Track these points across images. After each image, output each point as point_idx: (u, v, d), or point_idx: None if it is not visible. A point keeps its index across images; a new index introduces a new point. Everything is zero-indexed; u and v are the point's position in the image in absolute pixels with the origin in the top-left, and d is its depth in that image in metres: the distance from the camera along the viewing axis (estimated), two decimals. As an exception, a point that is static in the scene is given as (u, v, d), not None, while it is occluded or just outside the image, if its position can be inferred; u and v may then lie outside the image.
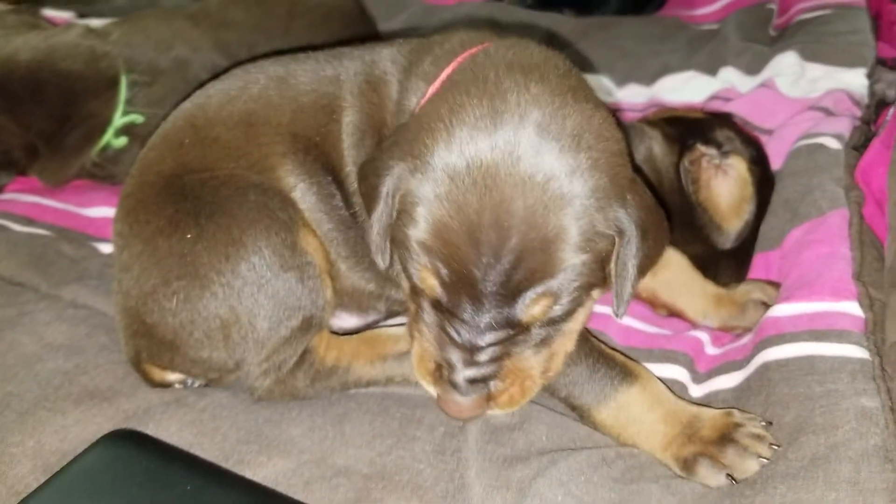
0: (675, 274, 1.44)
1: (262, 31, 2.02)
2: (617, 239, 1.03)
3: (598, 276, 1.03)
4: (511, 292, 0.98)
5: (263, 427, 1.20)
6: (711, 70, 2.21)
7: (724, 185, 1.50)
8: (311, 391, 1.27)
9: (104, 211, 1.78)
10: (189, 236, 1.20)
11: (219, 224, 1.19)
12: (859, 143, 1.71)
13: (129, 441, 1.12)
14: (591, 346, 1.21)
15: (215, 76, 1.84)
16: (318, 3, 2.16)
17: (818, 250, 1.39)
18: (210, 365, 1.25)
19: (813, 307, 1.29)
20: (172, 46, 1.90)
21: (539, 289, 0.98)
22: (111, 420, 1.21)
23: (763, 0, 2.60)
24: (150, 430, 1.19)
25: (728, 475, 1.10)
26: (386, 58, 1.32)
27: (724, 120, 1.71)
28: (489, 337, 1.02)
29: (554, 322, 1.05)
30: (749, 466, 1.11)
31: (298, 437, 1.19)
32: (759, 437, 1.12)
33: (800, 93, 1.99)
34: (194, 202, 1.22)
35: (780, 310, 1.31)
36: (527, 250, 0.96)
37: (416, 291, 1.08)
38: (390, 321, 1.43)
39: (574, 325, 1.12)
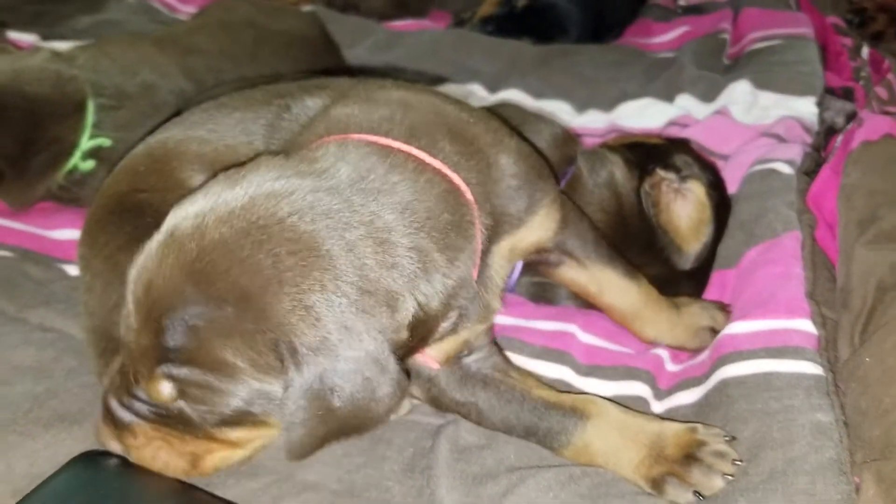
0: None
1: (229, 58, 2.03)
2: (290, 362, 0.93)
3: (253, 400, 0.97)
4: (151, 357, 0.97)
5: None
6: (668, 97, 2.28)
7: (684, 209, 1.55)
8: None
9: (70, 233, 1.76)
10: None
11: None
12: (810, 169, 1.77)
13: (100, 463, 1.12)
14: (537, 397, 1.24)
15: (183, 101, 1.88)
16: (283, 30, 2.18)
17: (773, 270, 1.44)
18: None
19: (768, 325, 1.33)
20: (139, 71, 1.90)
21: (166, 368, 0.96)
22: (81, 443, 1.20)
23: (717, 30, 2.69)
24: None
25: (695, 492, 1.14)
26: (306, 110, 1.29)
27: (682, 146, 1.77)
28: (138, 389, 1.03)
29: (205, 417, 1.01)
30: (714, 484, 1.14)
31: (266, 458, 1.18)
32: (722, 455, 1.15)
33: (753, 119, 2.06)
34: (155, 216, 1.21)
35: (738, 327, 1.36)
36: (169, 322, 0.94)
37: None
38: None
39: (242, 437, 1.06)
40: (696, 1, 3.02)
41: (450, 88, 2.43)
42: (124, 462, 1.11)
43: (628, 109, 2.29)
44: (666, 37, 2.84)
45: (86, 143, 1.81)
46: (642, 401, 1.36)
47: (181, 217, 0.98)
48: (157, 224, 1.18)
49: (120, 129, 1.84)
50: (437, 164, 1.09)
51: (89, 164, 1.82)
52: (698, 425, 1.20)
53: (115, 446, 1.08)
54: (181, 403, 0.99)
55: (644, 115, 2.23)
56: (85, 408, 1.28)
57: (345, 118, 1.14)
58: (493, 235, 1.17)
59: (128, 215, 1.27)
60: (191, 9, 3.22)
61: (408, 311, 0.99)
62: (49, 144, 1.79)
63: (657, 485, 1.16)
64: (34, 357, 1.37)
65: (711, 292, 1.57)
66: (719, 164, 1.87)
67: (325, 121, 1.16)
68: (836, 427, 1.15)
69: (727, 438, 1.18)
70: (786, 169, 1.70)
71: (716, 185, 1.63)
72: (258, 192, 0.96)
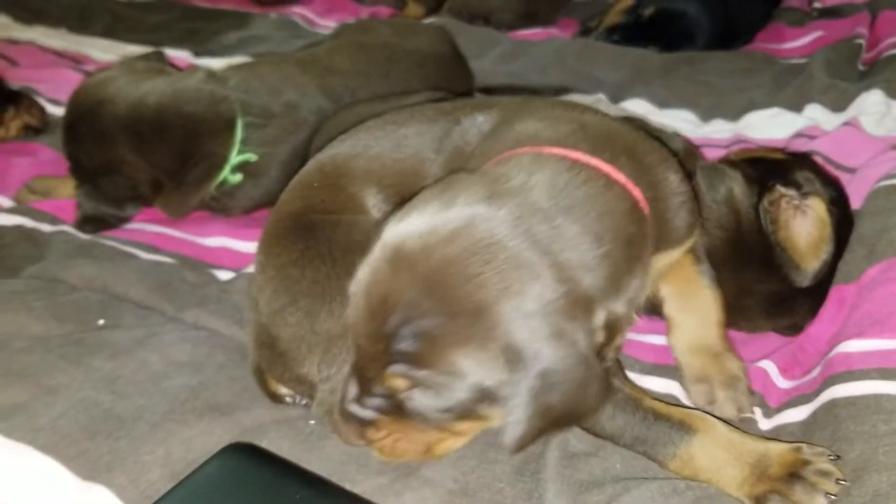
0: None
1: (364, 76, 2.15)
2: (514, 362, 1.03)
3: (480, 398, 1.06)
4: (383, 359, 1.06)
5: (361, 449, 1.28)
6: (797, 107, 2.26)
7: (803, 226, 1.54)
8: None
9: (221, 241, 1.95)
10: (322, 269, 1.33)
11: (353, 262, 1.25)
12: (942, 184, 1.73)
13: (246, 453, 1.25)
14: (647, 408, 1.29)
15: (321, 117, 2.02)
16: (415, 48, 2.29)
17: (892, 288, 1.43)
18: (304, 380, 1.35)
19: (883, 344, 1.33)
20: (283, 91, 2.05)
21: (398, 368, 1.06)
22: (230, 433, 1.35)
23: (852, 35, 2.62)
24: (265, 445, 1.31)
25: None
26: (478, 124, 1.37)
27: (805, 161, 1.75)
28: (376, 387, 1.11)
29: (436, 413, 1.09)
30: (816, 502, 1.16)
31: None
32: (825, 474, 1.17)
33: (884, 131, 2.02)
34: (327, 244, 1.34)
35: (852, 346, 1.36)
36: (404, 330, 1.04)
37: None
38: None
39: (466, 429, 1.16)
40: (833, 3, 2.94)
41: (573, 98, 2.48)
42: (269, 454, 1.24)
43: (755, 119, 2.28)
44: (798, 42, 2.79)
45: (235, 157, 1.97)
46: (749, 419, 1.38)
47: (403, 236, 1.08)
48: (329, 249, 1.33)
49: (265, 145, 2.00)
50: (622, 178, 1.17)
51: (237, 177, 1.99)
52: (803, 445, 1.22)
53: (359, 443, 1.19)
54: (414, 400, 1.09)
55: (771, 126, 2.21)
56: (233, 400, 1.43)
57: (534, 131, 1.23)
58: (654, 250, 1.24)
59: (301, 233, 1.39)
60: (329, 22, 3.41)
61: (601, 316, 1.08)
62: (203, 159, 1.96)
63: (760, 502, 1.19)
64: (189, 353, 1.53)
65: (829, 307, 1.55)
66: (845, 177, 1.85)
67: (513, 133, 1.25)
68: (944, 454, 1.15)
69: (832, 458, 1.19)
70: (913, 185, 1.67)
71: (837, 202, 1.61)
72: (474, 215, 1.06)
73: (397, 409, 1.12)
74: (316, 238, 1.37)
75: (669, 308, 1.47)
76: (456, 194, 1.09)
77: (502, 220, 1.05)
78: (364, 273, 1.10)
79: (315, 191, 1.45)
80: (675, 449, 1.26)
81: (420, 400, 1.08)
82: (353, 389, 1.15)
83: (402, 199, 1.22)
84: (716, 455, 1.24)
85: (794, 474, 1.18)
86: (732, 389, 1.39)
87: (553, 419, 1.06)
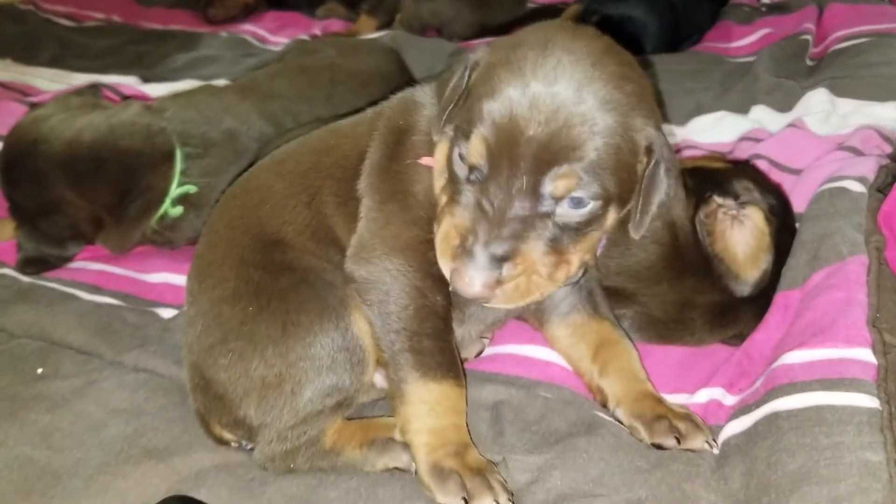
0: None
1: (306, 100, 2.13)
2: (645, 158, 1.17)
3: (617, 190, 1.15)
4: (544, 164, 1.11)
5: (304, 492, 1.28)
6: (743, 109, 2.25)
7: (740, 236, 1.53)
8: (304, 468, 1.34)
9: (164, 276, 1.92)
10: (250, 309, 1.31)
11: (278, 307, 1.30)
12: (885, 184, 1.72)
13: (186, 504, 1.22)
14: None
15: (263, 144, 1.99)
16: (359, 69, 2.27)
17: (835, 295, 1.42)
18: (242, 424, 1.34)
19: (826, 354, 1.32)
20: (222, 119, 2.02)
21: (564, 168, 1.10)
22: (166, 481, 1.32)
23: (799, 31, 2.62)
24: (203, 494, 1.28)
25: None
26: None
27: (745, 169, 1.74)
28: (517, 207, 1.12)
29: (568, 228, 1.15)
30: (483, 500, 1.21)
31: (335, 499, 1.27)
32: (503, 486, 1.25)
33: (830, 129, 2.02)
34: (257, 285, 1.33)
35: (794, 356, 1.35)
36: (562, 129, 1.10)
37: (453, 179, 1.20)
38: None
39: (586, 244, 1.21)
40: (780, -2, 2.95)
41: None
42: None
43: (701, 124, 2.27)
44: (746, 40, 2.79)
45: (175, 190, 1.94)
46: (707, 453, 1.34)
47: (533, 50, 1.16)
48: (256, 291, 1.32)
49: (206, 176, 1.96)
50: None
51: (178, 210, 1.95)
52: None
53: (488, 293, 1.15)
54: (559, 213, 1.14)
55: (716, 130, 2.21)
56: (171, 444, 1.40)
57: None
58: None
59: (234, 269, 1.37)
60: (281, 39, 3.37)
61: None
62: (143, 193, 1.93)
63: (437, 474, 1.25)
64: (128, 399, 1.50)
65: (775, 313, 1.53)
66: (791, 179, 1.84)
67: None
68: (885, 467, 1.14)
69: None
70: (856, 187, 1.65)
71: (777, 210, 1.59)
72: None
73: (530, 230, 1.14)
74: (247, 279, 1.35)
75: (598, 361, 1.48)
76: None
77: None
78: (527, 75, 1.12)
79: (238, 199, 1.47)
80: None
81: (564, 210, 1.13)
82: (483, 228, 1.14)
83: None
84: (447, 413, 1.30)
85: (481, 471, 1.25)
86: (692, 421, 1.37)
87: (665, 202, 1.22)
